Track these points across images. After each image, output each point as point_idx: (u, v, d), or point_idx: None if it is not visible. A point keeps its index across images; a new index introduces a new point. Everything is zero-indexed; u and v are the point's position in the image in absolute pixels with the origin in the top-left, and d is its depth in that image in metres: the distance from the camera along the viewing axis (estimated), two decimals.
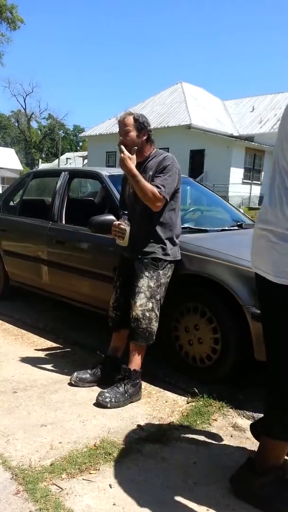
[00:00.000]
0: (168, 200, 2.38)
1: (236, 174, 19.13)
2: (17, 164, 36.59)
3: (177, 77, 75.56)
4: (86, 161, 28.23)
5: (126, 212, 2.53)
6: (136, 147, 2.35)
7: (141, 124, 2.39)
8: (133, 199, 2.47)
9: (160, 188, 2.32)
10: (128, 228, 2.42)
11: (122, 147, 2.32)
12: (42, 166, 40.26)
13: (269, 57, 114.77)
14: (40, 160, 48.59)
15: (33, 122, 56.06)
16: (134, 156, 2.33)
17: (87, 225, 2.81)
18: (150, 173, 2.41)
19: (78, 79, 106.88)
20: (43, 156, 55.56)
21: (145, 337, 2.38)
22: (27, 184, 4.15)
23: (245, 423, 2.16)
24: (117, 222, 2.46)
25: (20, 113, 55.08)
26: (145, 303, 2.37)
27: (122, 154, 2.30)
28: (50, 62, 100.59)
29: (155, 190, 2.31)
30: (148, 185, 2.32)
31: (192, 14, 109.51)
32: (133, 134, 2.38)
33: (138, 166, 2.44)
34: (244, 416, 2.22)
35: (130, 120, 2.39)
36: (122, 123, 2.41)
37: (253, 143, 20.02)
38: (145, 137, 2.41)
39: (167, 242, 2.46)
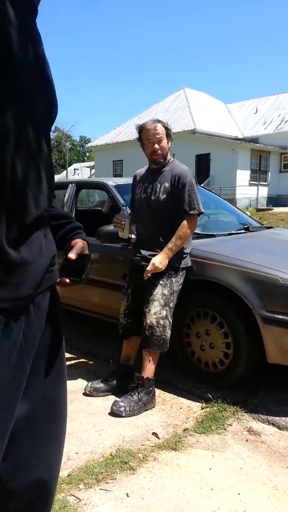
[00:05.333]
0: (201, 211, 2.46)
1: (243, 176, 19.09)
2: None
3: (180, 83, 76.06)
4: (93, 171, 28.45)
5: (124, 206, 2.57)
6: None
7: (169, 131, 2.47)
8: (146, 206, 2.49)
9: (193, 207, 2.40)
10: (127, 220, 2.47)
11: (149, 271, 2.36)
12: None
13: (271, 57, 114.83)
14: None
15: None
16: (157, 263, 2.35)
17: (95, 235, 2.84)
18: (166, 184, 2.43)
19: (82, 90, 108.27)
20: None
21: (159, 344, 2.39)
22: None
23: (260, 426, 2.15)
24: (117, 215, 2.52)
25: None
26: (160, 310, 2.38)
27: (153, 268, 2.35)
28: (54, 74, 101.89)
29: (185, 225, 2.38)
30: (179, 234, 2.37)
31: (192, 19, 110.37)
32: (165, 141, 2.45)
33: (155, 172, 2.50)
34: (259, 420, 2.21)
35: (161, 128, 2.44)
36: (153, 131, 2.43)
37: (258, 144, 19.98)
38: (170, 142, 2.49)
39: (181, 250, 2.47)
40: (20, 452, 0.81)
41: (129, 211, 2.54)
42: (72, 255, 1.01)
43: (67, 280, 0.98)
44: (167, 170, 2.47)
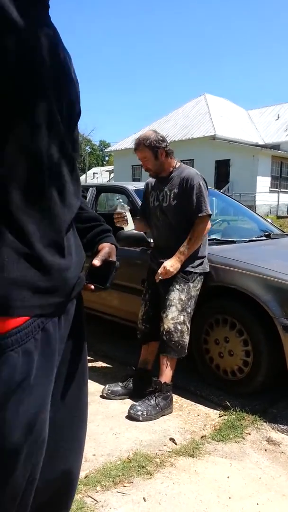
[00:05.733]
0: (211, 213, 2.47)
1: (263, 182, 18.93)
2: None
3: (201, 90, 75.99)
4: (112, 175, 28.65)
5: (118, 198, 2.55)
6: None
7: (154, 147, 2.41)
8: (160, 212, 2.50)
9: (202, 210, 2.39)
10: (127, 212, 2.44)
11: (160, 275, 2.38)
12: None
13: None
14: None
15: None
16: (168, 266, 2.37)
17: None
18: (176, 190, 2.44)
19: (103, 95, 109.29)
20: None
21: (177, 350, 2.38)
22: None
23: (280, 437, 2.12)
24: (116, 211, 2.48)
25: None
26: (177, 316, 2.38)
27: (164, 271, 2.37)
28: None
29: (196, 229, 2.39)
30: (190, 238, 2.38)
31: (215, 26, 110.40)
32: (152, 160, 2.44)
33: (164, 180, 2.50)
34: (278, 430, 2.18)
35: (143, 151, 2.43)
36: (137, 154, 2.48)
37: (279, 151, 19.80)
38: (163, 155, 2.44)
39: (196, 254, 2.47)
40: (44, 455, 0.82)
41: (125, 204, 2.50)
42: (96, 261, 0.98)
43: (92, 287, 0.96)
44: (175, 176, 2.48)
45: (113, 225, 3.76)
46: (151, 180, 2.65)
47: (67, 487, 0.98)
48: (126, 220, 2.44)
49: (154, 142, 2.40)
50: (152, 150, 2.41)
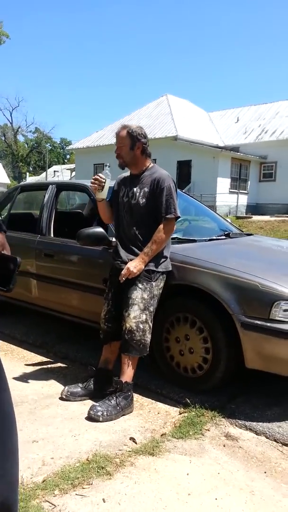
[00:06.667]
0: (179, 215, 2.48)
1: (223, 183, 19.35)
2: (4, 177, 36.57)
3: (163, 90, 76.48)
4: (73, 173, 28.29)
5: (107, 165, 2.53)
6: None
7: (134, 138, 2.43)
8: (126, 209, 2.49)
9: (170, 212, 2.41)
10: (108, 180, 2.43)
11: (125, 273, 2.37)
12: (30, 179, 40.25)
13: (253, 68, 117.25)
14: (27, 173, 48.60)
15: (19, 136, 56.03)
16: (131, 267, 2.36)
17: (75, 238, 2.81)
18: (146, 189, 2.45)
19: (65, 93, 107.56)
20: (31, 169, 55.48)
21: (139, 349, 2.38)
22: (14, 198, 4.14)
23: (238, 432, 2.16)
24: (99, 174, 2.47)
25: (6, 127, 55.05)
26: (139, 315, 2.37)
27: (127, 272, 2.36)
28: (35, 76, 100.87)
29: (161, 230, 2.39)
30: (155, 239, 2.39)
31: (177, 27, 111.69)
32: (127, 149, 2.45)
33: (135, 178, 2.50)
34: (236, 425, 2.22)
35: (123, 134, 2.45)
36: (116, 137, 2.49)
37: (238, 153, 20.31)
38: (139, 150, 2.45)
39: (160, 254, 2.47)
40: None
41: (110, 173, 2.47)
42: None
43: None
44: (146, 175, 2.49)
45: (74, 223, 3.70)
46: (122, 175, 2.63)
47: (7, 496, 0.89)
48: (102, 187, 2.42)
49: (136, 133, 2.43)
50: (131, 139, 2.43)
